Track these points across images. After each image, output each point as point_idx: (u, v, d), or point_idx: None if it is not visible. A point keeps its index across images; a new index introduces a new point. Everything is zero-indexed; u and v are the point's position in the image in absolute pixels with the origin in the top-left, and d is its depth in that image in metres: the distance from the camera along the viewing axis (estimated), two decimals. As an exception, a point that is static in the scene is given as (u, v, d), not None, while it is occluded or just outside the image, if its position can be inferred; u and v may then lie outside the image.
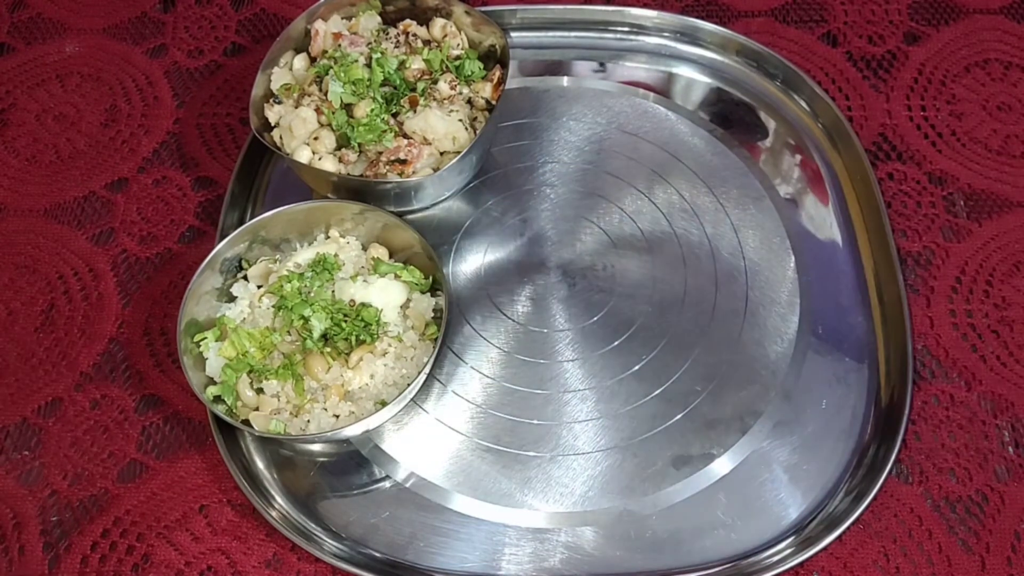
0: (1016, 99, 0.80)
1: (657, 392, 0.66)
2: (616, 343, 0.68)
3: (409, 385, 0.61)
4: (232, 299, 0.68)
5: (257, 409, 0.62)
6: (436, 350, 0.62)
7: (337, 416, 0.61)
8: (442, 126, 0.69)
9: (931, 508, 0.62)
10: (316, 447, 0.65)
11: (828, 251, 0.72)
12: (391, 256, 0.69)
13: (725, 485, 0.62)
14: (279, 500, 0.63)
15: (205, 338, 0.65)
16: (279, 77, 0.74)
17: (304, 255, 0.68)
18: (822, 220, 0.73)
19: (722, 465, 0.63)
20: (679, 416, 0.65)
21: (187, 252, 0.75)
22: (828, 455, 0.63)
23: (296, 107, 0.71)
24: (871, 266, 0.71)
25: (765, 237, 0.72)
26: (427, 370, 0.62)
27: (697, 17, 0.84)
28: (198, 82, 0.85)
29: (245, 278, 0.68)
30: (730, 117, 0.79)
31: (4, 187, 0.80)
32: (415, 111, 0.70)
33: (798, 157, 0.77)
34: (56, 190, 0.79)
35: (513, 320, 0.69)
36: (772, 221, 0.73)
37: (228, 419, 0.61)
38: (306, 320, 0.63)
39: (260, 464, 0.65)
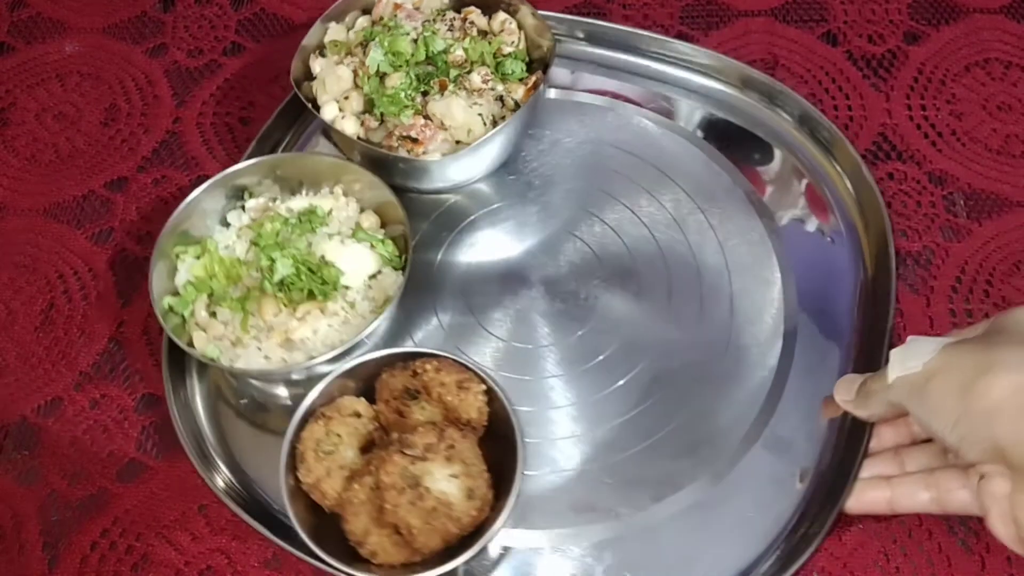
0: (1016, 99, 0.80)
1: (639, 410, 0.64)
2: (599, 359, 0.67)
3: (344, 343, 0.62)
4: (227, 225, 0.70)
5: (205, 331, 0.64)
6: (377, 322, 0.62)
7: (268, 358, 0.63)
8: (461, 115, 0.69)
9: (931, 508, 0.62)
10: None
11: (818, 266, 0.71)
12: (383, 227, 0.70)
13: (717, 495, 0.61)
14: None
15: (186, 251, 0.67)
16: (335, 32, 0.76)
17: (299, 202, 0.70)
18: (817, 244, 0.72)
19: (714, 481, 0.62)
20: (665, 433, 0.63)
21: (187, 251, 0.75)
22: (826, 464, 0.62)
23: (338, 64, 0.73)
24: (864, 273, 0.70)
25: (754, 259, 0.71)
26: (362, 337, 0.62)
27: (697, 16, 0.84)
28: (198, 82, 0.85)
29: (243, 208, 0.71)
30: (732, 139, 0.77)
31: (4, 187, 0.80)
32: (442, 95, 0.71)
33: (804, 189, 0.75)
34: (56, 189, 0.79)
35: (496, 336, 0.69)
36: (764, 249, 0.71)
37: (173, 336, 0.62)
38: (272, 262, 0.64)
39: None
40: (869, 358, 0.65)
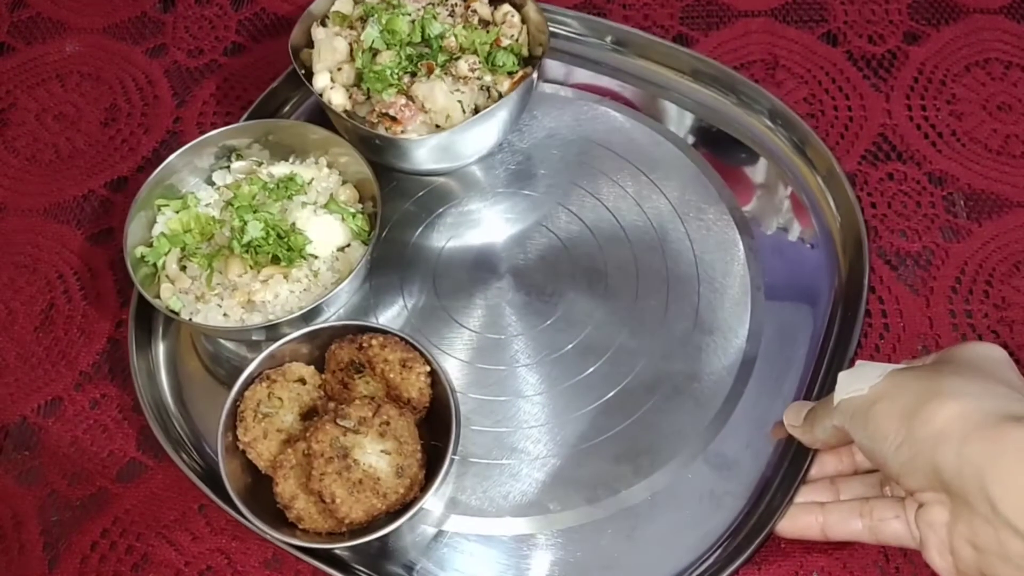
0: (1016, 99, 0.80)
1: (589, 410, 0.65)
2: (559, 353, 0.67)
3: (302, 309, 0.63)
4: (213, 184, 0.72)
5: (173, 283, 0.66)
6: (336, 291, 0.63)
7: (227, 316, 0.64)
8: (442, 99, 0.69)
9: (931, 508, 0.62)
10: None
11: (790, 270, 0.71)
12: (361, 202, 0.71)
13: (652, 505, 0.61)
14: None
15: (167, 205, 0.69)
16: (341, 4, 0.76)
17: (282, 169, 0.71)
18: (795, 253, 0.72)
19: (650, 490, 0.62)
20: (608, 437, 0.63)
21: (187, 252, 0.75)
22: (765, 486, 0.62)
23: (336, 35, 0.73)
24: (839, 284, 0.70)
25: (726, 272, 0.70)
26: (319, 303, 0.63)
27: (696, 17, 0.84)
28: (198, 82, 0.85)
29: (230, 169, 0.72)
30: (717, 144, 0.77)
31: (4, 187, 0.80)
32: (428, 77, 0.71)
33: (787, 200, 0.74)
34: (56, 189, 0.79)
35: (457, 322, 0.69)
36: (738, 265, 0.70)
37: (141, 288, 0.64)
38: (244, 223, 0.66)
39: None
40: (825, 387, 0.64)
